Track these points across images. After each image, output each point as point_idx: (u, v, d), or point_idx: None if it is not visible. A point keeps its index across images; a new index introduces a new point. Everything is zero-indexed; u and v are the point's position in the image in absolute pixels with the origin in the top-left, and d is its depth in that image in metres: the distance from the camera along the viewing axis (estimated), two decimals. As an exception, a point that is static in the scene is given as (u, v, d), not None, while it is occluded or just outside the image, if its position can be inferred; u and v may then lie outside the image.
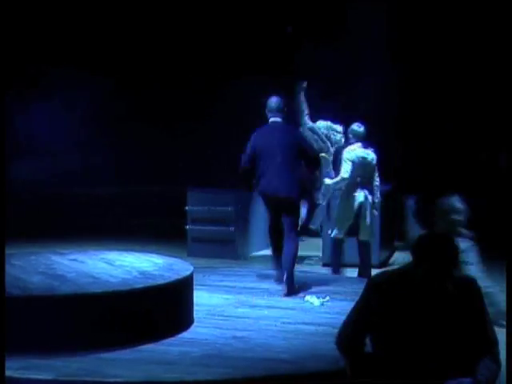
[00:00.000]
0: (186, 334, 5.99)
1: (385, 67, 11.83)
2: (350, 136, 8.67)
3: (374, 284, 3.39)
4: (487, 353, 3.31)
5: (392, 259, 10.42)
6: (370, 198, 8.66)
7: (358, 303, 3.39)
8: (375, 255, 9.60)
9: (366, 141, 8.56)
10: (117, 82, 12.87)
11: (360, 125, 8.62)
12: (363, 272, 8.70)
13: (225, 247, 10.41)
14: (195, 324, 6.26)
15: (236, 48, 12.39)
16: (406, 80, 11.95)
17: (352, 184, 8.55)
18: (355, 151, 8.56)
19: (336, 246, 8.88)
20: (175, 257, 7.27)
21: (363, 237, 8.74)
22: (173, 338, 5.85)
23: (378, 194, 8.81)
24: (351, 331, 3.36)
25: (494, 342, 3.37)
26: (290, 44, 12.07)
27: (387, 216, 9.99)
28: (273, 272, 7.96)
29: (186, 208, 10.66)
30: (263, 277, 8.24)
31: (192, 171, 12.36)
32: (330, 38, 11.85)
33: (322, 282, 8.01)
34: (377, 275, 3.46)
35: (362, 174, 8.56)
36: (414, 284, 3.26)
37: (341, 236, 8.81)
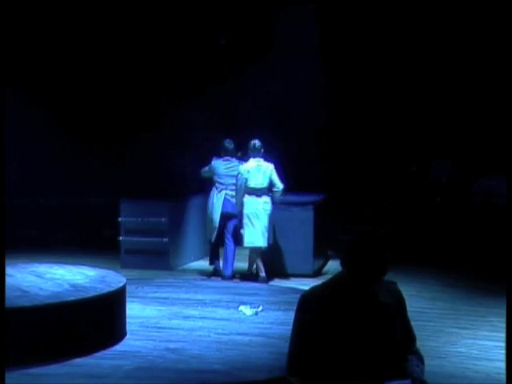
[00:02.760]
0: (118, 347, 5.92)
1: (312, 80, 11.98)
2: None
3: (304, 302, 3.34)
4: (411, 350, 3.41)
5: (326, 268, 10.51)
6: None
7: (295, 326, 3.33)
8: (309, 265, 9.67)
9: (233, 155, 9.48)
10: (53, 98, 12.64)
11: (230, 141, 9.49)
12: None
13: (158, 258, 10.33)
14: (128, 336, 6.19)
15: (169, 63, 12.29)
16: (334, 93, 12.10)
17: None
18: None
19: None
20: (108, 269, 7.18)
21: None
22: (105, 351, 5.76)
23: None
24: (303, 356, 3.24)
25: (415, 339, 3.49)
26: (223, 57, 12.06)
27: (320, 226, 10.08)
28: (206, 283, 7.98)
29: (119, 219, 10.54)
30: (197, 288, 8.21)
31: (125, 182, 12.23)
32: (260, 54, 11.92)
33: (255, 291, 8.03)
34: (306, 292, 3.42)
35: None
36: (346, 291, 3.28)
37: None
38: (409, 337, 3.46)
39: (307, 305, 3.31)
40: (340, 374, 3.21)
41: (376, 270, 3.25)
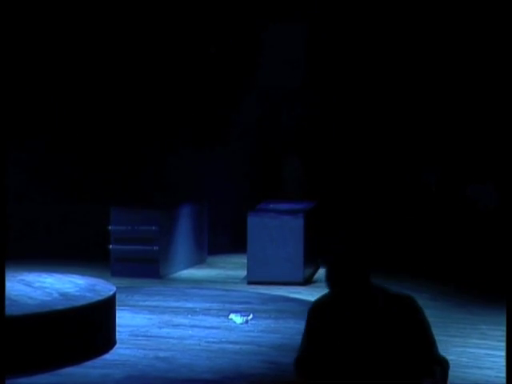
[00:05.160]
0: (108, 356, 5.90)
1: (303, 90, 12.02)
2: None
3: (309, 309, 3.49)
4: (430, 357, 3.30)
5: (316, 276, 10.51)
6: None
7: (303, 332, 3.49)
8: (299, 272, 9.67)
9: None
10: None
11: None
12: None
13: (149, 267, 10.30)
14: (118, 345, 6.17)
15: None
16: (327, 100, 12.13)
17: None
18: None
19: None
20: (98, 277, 7.16)
21: None
22: (94, 360, 5.74)
23: None
24: (305, 356, 3.41)
25: (432, 346, 3.34)
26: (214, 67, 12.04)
27: (310, 233, 10.09)
28: (196, 291, 8.10)
29: (110, 227, 10.51)
30: (187, 296, 8.20)
31: (115, 189, 12.20)
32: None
33: (245, 300, 8.02)
34: (314, 300, 3.55)
35: None
36: (344, 299, 3.34)
37: None
38: (425, 344, 3.37)
39: (311, 312, 3.45)
40: (339, 376, 3.27)
41: (349, 282, 3.32)
